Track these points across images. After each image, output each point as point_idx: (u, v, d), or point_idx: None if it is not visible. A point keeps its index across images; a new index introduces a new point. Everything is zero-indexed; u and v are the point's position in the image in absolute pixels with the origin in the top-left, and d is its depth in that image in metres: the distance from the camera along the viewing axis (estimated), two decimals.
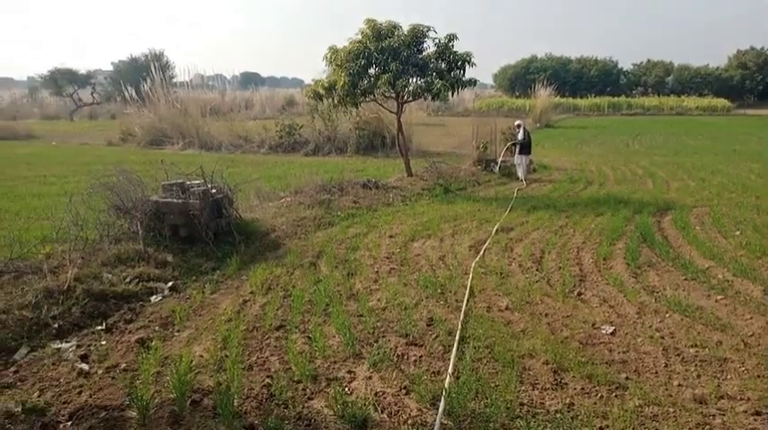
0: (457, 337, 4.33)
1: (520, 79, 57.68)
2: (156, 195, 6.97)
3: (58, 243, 6.08)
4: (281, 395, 3.60)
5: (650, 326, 4.64)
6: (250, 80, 55.82)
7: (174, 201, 6.75)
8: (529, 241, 7.33)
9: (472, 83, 11.54)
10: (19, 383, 3.81)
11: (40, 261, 5.50)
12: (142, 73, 27.96)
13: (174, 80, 29.58)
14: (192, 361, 4.01)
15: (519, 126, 13.30)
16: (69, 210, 6.30)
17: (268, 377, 3.86)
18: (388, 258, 6.67)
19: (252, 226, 7.74)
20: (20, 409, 3.43)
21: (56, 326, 4.54)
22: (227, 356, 4.11)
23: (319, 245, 7.22)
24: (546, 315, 4.90)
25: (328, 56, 11.03)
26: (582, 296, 5.39)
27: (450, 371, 3.83)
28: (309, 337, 4.46)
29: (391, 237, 7.64)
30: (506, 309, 5.04)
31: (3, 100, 44.01)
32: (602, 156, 17.83)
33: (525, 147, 12.90)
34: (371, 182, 11.13)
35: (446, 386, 3.59)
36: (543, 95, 33.57)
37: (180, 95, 23.76)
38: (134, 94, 24.14)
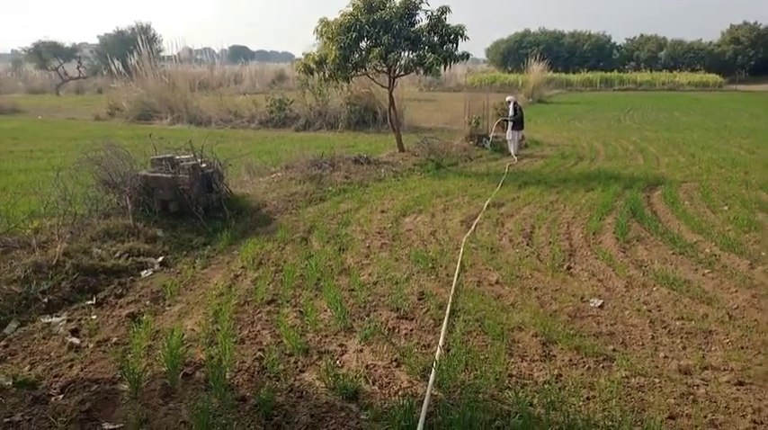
0: (447, 311, 4.37)
1: (513, 54, 57.29)
2: (145, 170, 6.91)
3: (47, 218, 6.02)
4: (272, 368, 3.62)
5: (638, 300, 4.70)
6: (239, 54, 55.02)
7: (164, 175, 6.69)
8: (520, 216, 7.36)
9: (465, 57, 11.42)
10: (9, 357, 3.80)
11: (29, 236, 5.45)
12: (129, 46, 27.43)
13: (162, 54, 29.12)
14: (183, 334, 4.02)
15: (510, 102, 13.23)
16: (57, 185, 6.24)
17: (260, 350, 3.88)
18: (379, 233, 6.67)
19: (243, 201, 7.70)
20: (11, 383, 3.43)
21: (45, 300, 4.52)
22: (218, 330, 4.13)
23: (310, 220, 7.21)
24: (535, 289, 4.94)
25: (319, 28, 10.85)
26: (571, 270, 5.44)
27: (440, 343, 3.87)
28: (301, 311, 4.48)
29: (383, 212, 7.64)
30: (496, 283, 5.08)
31: None
32: (593, 131, 17.84)
33: (517, 123, 12.86)
34: (363, 157, 11.08)
35: (436, 358, 3.63)
36: (536, 70, 33.35)
37: (168, 69, 23.36)
38: (121, 67, 23.71)
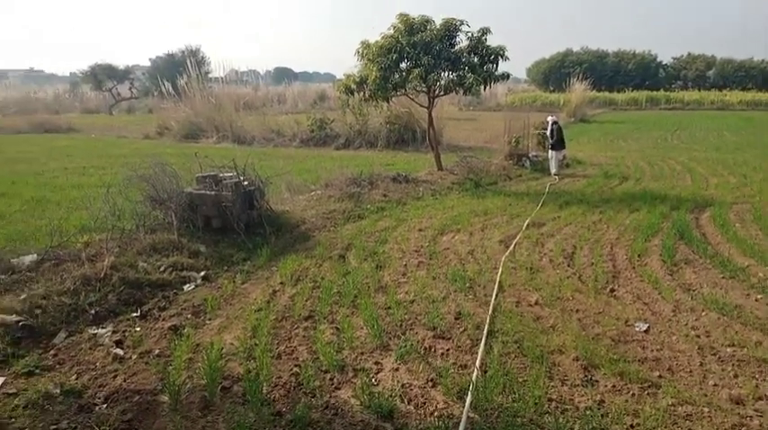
0: (485, 331, 4.30)
1: (554, 73, 56.62)
2: (191, 187, 7.12)
3: (96, 232, 6.28)
4: (308, 384, 3.64)
5: (686, 325, 4.52)
6: (283, 75, 56.44)
7: (208, 192, 6.88)
8: (561, 236, 7.21)
9: (505, 77, 11.38)
10: (57, 366, 3.95)
11: (79, 249, 5.69)
12: (179, 68, 28.45)
13: (210, 75, 30.05)
14: (222, 348, 4.09)
15: (549, 121, 13.15)
16: (107, 201, 6.51)
17: (296, 366, 3.91)
18: (416, 251, 6.65)
19: (282, 218, 7.83)
20: (58, 391, 3.56)
21: (93, 312, 4.69)
22: (256, 345, 4.18)
23: (348, 237, 7.26)
24: (577, 311, 4.82)
25: (360, 50, 11.03)
26: (615, 293, 5.28)
27: (477, 364, 3.80)
28: (338, 328, 4.50)
29: (420, 230, 7.62)
30: (536, 304, 4.98)
31: (47, 95, 45.53)
32: (638, 151, 17.39)
33: (557, 143, 12.69)
34: (401, 175, 11.11)
35: (473, 379, 3.57)
36: (579, 90, 32.85)
37: (215, 90, 24.13)
38: (171, 88, 24.65)
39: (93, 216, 6.51)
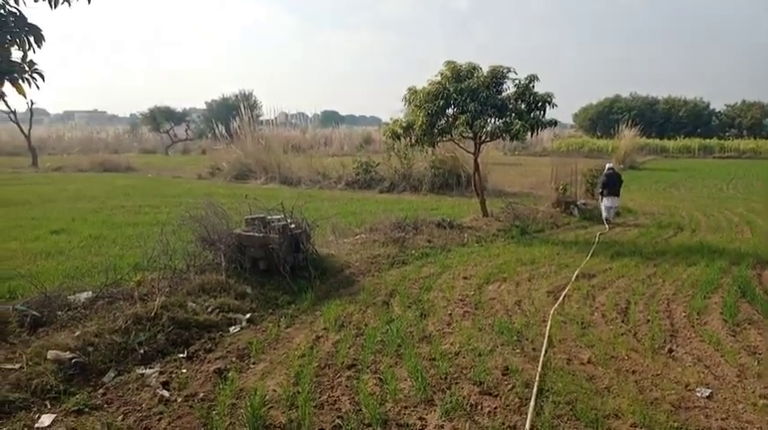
0: (534, 390, 4.12)
1: (602, 119, 56.08)
2: (239, 229, 7.27)
3: (149, 271, 6.46)
4: None
5: (753, 392, 4.20)
6: (330, 118, 57.96)
7: (256, 234, 7.01)
8: (613, 290, 6.94)
9: (553, 123, 11.33)
10: (106, 406, 4.00)
11: (132, 288, 5.86)
12: (232, 111, 29.76)
13: (261, 118, 31.21)
14: (265, 395, 4.06)
15: (606, 167, 12.99)
16: (160, 240, 6.71)
17: (338, 417, 3.83)
18: (461, 301, 6.53)
19: (327, 261, 7.87)
20: None
21: (141, 351, 4.77)
22: (299, 393, 4.13)
23: (392, 283, 7.21)
24: (633, 372, 4.57)
25: (407, 96, 11.25)
26: (673, 353, 5.00)
27: (527, 427, 3.63)
28: (381, 379, 4.41)
29: (465, 278, 7.50)
30: (588, 362, 4.75)
31: (108, 135, 48.26)
32: (693, 200, 16.80)
33: (613, 190, 12.43)
34: (446, 221, 11.06)
35: None
36: (628, 136, 32.33)
37: (264, 132, 25.01)
38: (224, 131, 25.69)
39: (146, 255, 6.72)
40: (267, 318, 5.92)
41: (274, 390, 4.22)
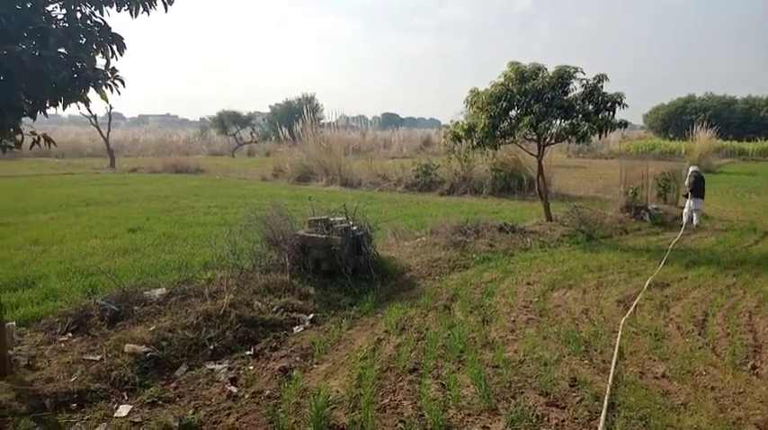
0: (605, 403, 3.95)
1: (675, 120, 53.29)
2: (303, 230, 7.42)
3: (218, 269, 6.70)
4: None
5: None
6: (390, 121, 58.33)
7: (319, 236, 7.12)
8: (688, 300, 6.57)
9: (622, 124, 10.89)
10: (177, 399, 4.18)
11: (202, 285, 6.08)
12: (295, 114, 30.48)
13: (322, 121, 31.76)
14: (328, 395, 4.11)
15: (690, 170, 12.55)
16: (228, 240, 6.95)
17: (401, 421, 3.82)
18: (525, 307, 6.37)
19: (388, 264, 7.88)
20: (177, 425, 3.74)
21: (211, 347, 4.94)
22: (361, 394, 4.15)
23: (454, 287, 7.13)
24: (712, 388, 4.30)
25: (469, 98, 11.12)
26: (757, 370, 4.66)
27: None
28: (443, 384, 4.36)
29: (529, 284, 7.32)
30: (663, 376, 4.51)
31: (179, 138, 50.61)
32: None
33: (700, 191, 12.07)
34: (508, 225, 10.83)
35: None
36: (703, 137, 30.54)
37: (326, 135, 25.41)
38: (287, 133, 26.32)
39: (215, 254, 6.97)
40: (329, 319, 5.99)
41: (337, 391, 4.26)
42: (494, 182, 18.29)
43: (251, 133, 47.63)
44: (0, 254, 8.40)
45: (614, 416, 3.84)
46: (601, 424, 3.69)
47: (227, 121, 47.01)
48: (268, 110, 53.52)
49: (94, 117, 32.40)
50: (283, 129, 27.39)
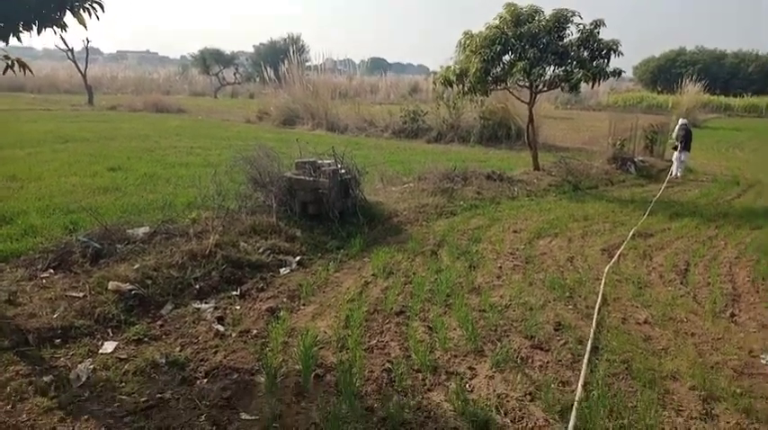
0: (588, 347, 4.03)
1: (664, 73, 52.85)
2: (290, 172, 7.28)
3: (203, 210, 6.57)
4: (400, 382, 3.57)
5: None
6: (377, 66, 56.81)
7: (306, 178, 7.00)
8: (671, 250, 6.67)
9: (617, 73, 10.70)
10: (164, 337, 4.16)
11: (187, 225, 5.98)
12: (280, 55, 29.46)
13: (308, 64, 30.83)
14: (316, 336, 4.12)
15: (679, 123, 12.80)
16: (214, 180, 6.79)
17: (388, 361, 3.86)
18: (511, 254, 6.41)
19: (375, 209, 7.83)
20: (164, 361, 3.73)
21: (197, 287, 4.90)
22: (349, 335, 4.17)
23: (441, 233, 7.13)
24: (692, 334, 4.40)
25: (463, 41, 10.78)
26: (736, 318, 4.79)
27: (581, 383, 3.55)
28: (430, 327, 4.40)
29: (515, 232, 7.34)
30: (645, 322, 4.60)
31: (159, 76, 48.91)
32: (759, 162, 15.83)
33: (688, 144, 12.37)
34: (496, 173, 10.79)
35: (577, 398, 3.34)
36: (691, 92, 30.40)
37: (312, 78, 24.73)
38: (272, 74, 25.55)
39: (200, 194, 6.82)
40: (316, 261, 5.97)
41: (325, 332, 4.28)
42: (482, 130, 18.08)
43: (234, 74, 46.19)
44: None
45: (597, 359, 3.93)
46: (584, 366, 3.76)
47: (210, 60, 45.45)
48: (252, 50, 51.79)
49: (71, 51, 31.00)
50: (268, 70, 26.58)
